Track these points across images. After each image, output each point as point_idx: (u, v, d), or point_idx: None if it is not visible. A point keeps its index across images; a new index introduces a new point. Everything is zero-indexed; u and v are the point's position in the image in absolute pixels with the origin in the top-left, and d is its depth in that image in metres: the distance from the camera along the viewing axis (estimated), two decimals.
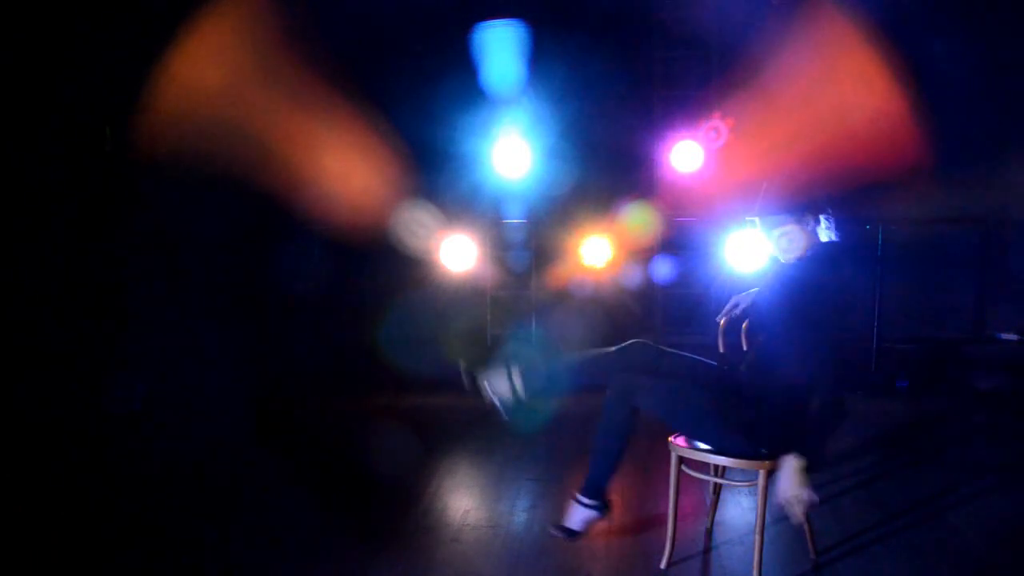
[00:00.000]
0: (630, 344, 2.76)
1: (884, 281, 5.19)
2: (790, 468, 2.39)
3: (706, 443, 2.60)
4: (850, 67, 5.29)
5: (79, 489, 3.43)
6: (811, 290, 2.52)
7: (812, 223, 2.61)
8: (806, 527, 2.76)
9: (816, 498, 2.41)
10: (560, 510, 3.21)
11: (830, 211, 2.63)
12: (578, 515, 2.74)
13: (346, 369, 5.50)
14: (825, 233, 2.63)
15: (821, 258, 2.60)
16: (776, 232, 2.61)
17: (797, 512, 2.42)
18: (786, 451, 2.41)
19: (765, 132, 5.37)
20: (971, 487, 3.40)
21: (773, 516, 3.06)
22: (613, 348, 2.77)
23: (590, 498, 2.73)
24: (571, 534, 2.74)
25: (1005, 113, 5.52)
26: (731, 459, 2.57)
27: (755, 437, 2.51)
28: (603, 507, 2.74)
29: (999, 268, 5.80)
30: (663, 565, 2.70)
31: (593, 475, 2.73)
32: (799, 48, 5.10)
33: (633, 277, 5.76)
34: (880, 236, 5.17)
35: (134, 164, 4.77)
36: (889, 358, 5.21)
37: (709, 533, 2.98)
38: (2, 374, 4.11)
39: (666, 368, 2.72)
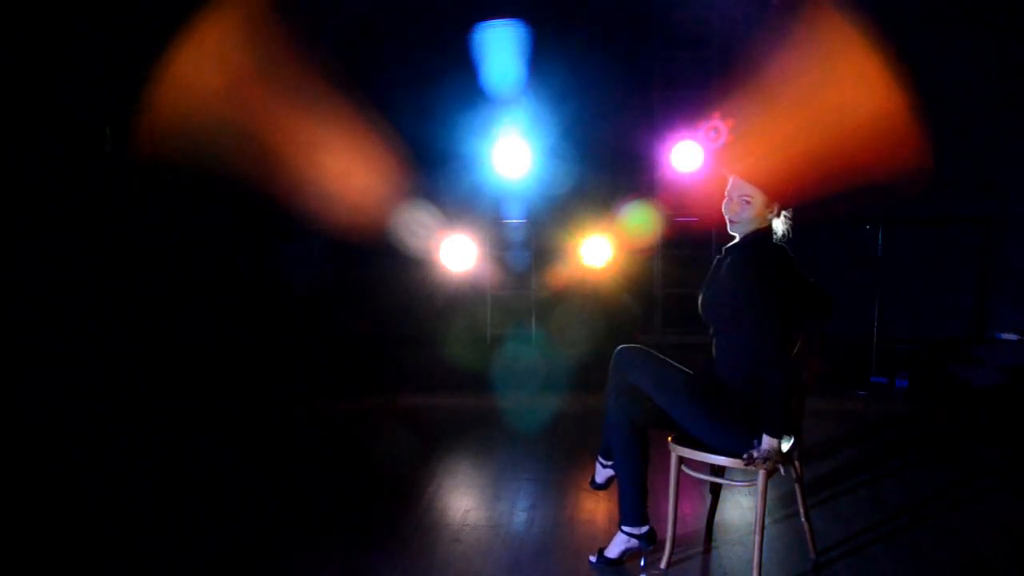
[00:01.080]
0: (616, 352, 2.75)
1: (884, 281, 5.19)
2: (773, 443, 2.49)
3: (699, 437, 2.61)
4: (850, 67, 5.29)
5: (79, 489, 3.43)
6: (747, 276, 2.53)
7: (776, 210, 2.61)
8: (806, 526, 2.76)
9: (781, 471, 2.52)
10: (560, 510, 3.22)
11: (791, 213, 2.65)
12: (617, 544, 2.73)
13: (346, 369, 5.50)
14: (780, 225, 2.64)
15: (760, 248, 2.59)
16: (743, 190, 2.58)
17: (758, 466, 2.49)
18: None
19: (765, 132, 5.37)
20: (971, 487, 3.40)
21: (773, 516, 3.07)
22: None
23: (631, 526, 2.70)
24: (608, 562, 2.73)
25: (1005, 113, 5.52)
26: (731, 459, 2.57)
27: (744, 431, 2.53)
28: (645, 537, 2.71)
29: (999, 268, 5.80)
30: (663, 565, 2.71)
31: (624, 500, 2.71)
32: (799, 48, 5.10)
33: (633, 277, 5.76)
34: (880, 236, 5.16)
35: (134, 164, 4.78)
36: (889, 358, 5.20)
37: (709, 533, 2.98)
38: (2, 374, 4.11)
39: (654, 362, 2.72)
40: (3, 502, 3.26)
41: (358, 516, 3.20)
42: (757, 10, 5.40)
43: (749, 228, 2.60)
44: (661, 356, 2.71)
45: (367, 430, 4.42)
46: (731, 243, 2.68)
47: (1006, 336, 5.67)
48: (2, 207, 4.23)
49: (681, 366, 2.70)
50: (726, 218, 2.63)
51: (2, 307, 4.20)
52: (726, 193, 2.63)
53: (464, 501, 3.36)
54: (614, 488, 2.79)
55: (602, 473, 2.91)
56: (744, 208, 2.58)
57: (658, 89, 5.85)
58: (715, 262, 2.73)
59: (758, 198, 2.57)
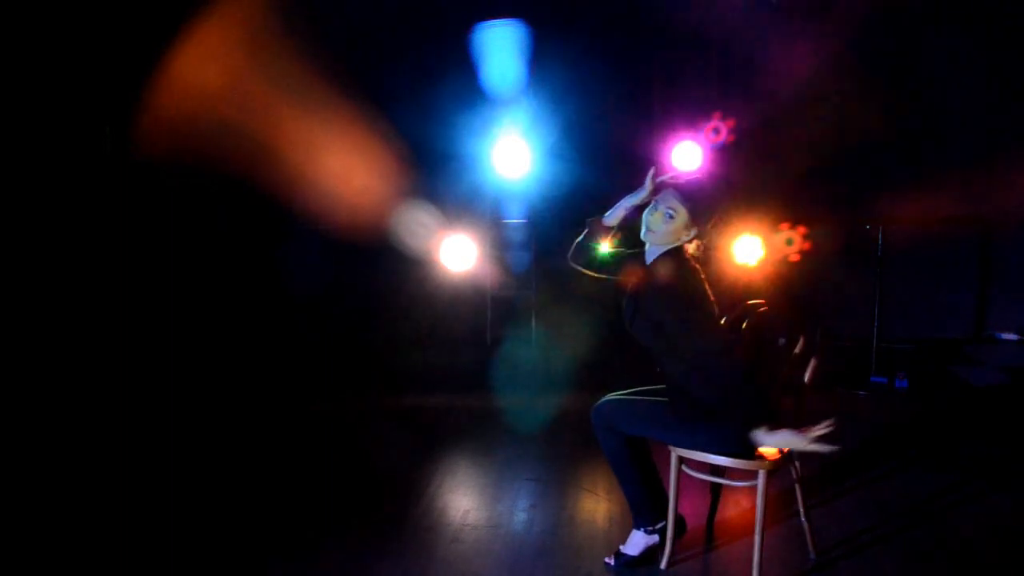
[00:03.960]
0: (592, 412, 2.76)
1: (884, 281, 5.19)
2: (782, 441, 2.45)
3: (701, 450, 2.62)
4: (849, 66, 5.30)
5: (78, 490, 3.43)
6: (668, 288, 2.55)
7: (692, 234, 2.63)
8: (806, 526, 2.76)
9: (832, 447, 2.42)
10: (560, 510, 3.22)
11: (710, 242, 2.67)
12: (633, 540, 2.76)
13: (346, 369, 5.50)
14: (691, 249, 2.66)
15: (675, 260, 2.60)
16: (670, 203, 2.60)
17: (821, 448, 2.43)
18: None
19: (765, 132, 5.37)
20: (971, 487, 3.40)
21: (773, 516, 3.07)
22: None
23: (641, 526, 2.75)
24: (632, 560, 2.73)
25: (1005, 113, 5.53)
26: (731, 459, 2.57)
27: (731, 427, 2.53)
28: (660, 532, 2.74)
29: (999, 268, 5.80)
30: (663, 565, 2.70)
31: (631, 504, 2.77)
32: (799, 48, 5.10)
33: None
34: (880, 236, 5.17)
35: (134, 164, 4.77)
36: (889, 358, 5.21)
37: (709, 533, 2.98)
38: (3, 374, 4.11)
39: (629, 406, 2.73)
40: (3, 502, 3.26)
41: (358, 516, 3.20)
42: (757, 10, 5.41)
43: (662, 242, 2.63)
44: (632, 396, 2.72)
45: (367, 430, 4.42)
46: (647, 259, 2.68)
47: (1006, 336, 5.67)
48: (2, 207, 4.23)
49: (652, 396, 2.71)
50: (643, 225, 2.65)
51: (2, 307, 4.20)
52: (653, 201, 2.65)
53: (464, 501, 3.36)
54: (613, 490, 2.79)
55: (639, 541, 2.76)
56: (666, 221, 2.60)
57: (658, 89, 5.84)
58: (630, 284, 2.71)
59: (681, 217, 2.60)
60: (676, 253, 2.62)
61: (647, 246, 2.68)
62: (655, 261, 2.64)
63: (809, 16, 5.22)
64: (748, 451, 2.56)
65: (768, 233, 5.27)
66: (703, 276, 2.63)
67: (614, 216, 2.75)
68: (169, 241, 5.14)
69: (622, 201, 2.74)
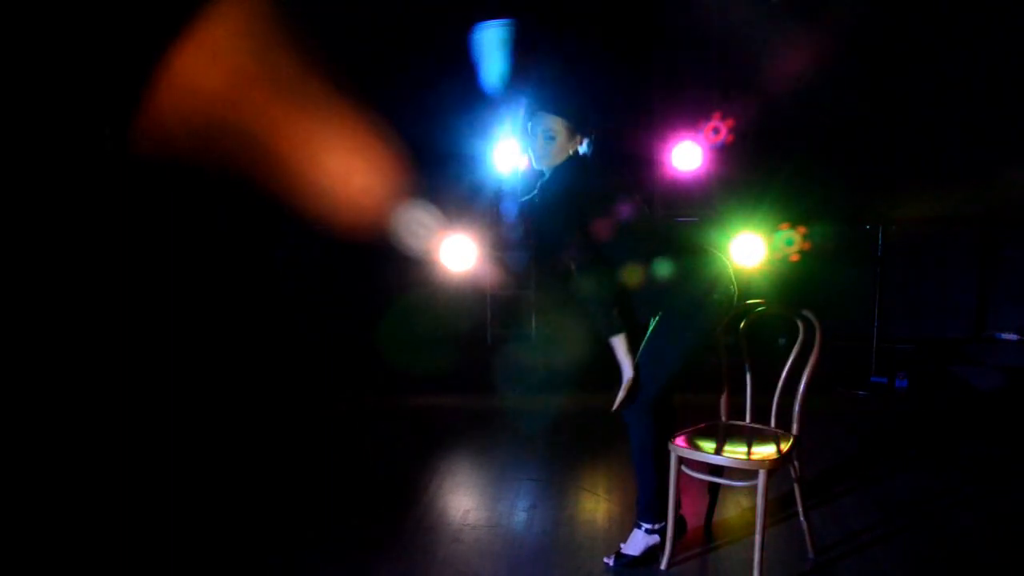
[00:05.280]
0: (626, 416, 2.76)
1: (884, 281, 5.19)
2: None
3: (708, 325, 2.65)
4: (849, 66, 5.29)
5: (76, 489, 3.43)
6: (554, 198, 2.55)
7: (580, 140, 2.59)
8: (805, 526, 2.76)
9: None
10: (560, 510, 3.22)
11: (596, 139, 2.62)
12: (634, 540, 2.75)
13: (346, 369, 5.50)
14: (584, 148, 2.63)
15: (562, 174, 2.57)
16: (545, 125, 2.56)
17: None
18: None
19: (765, 132, 5.37)
20: (971, 487, 3.40)
21: (773, 516, 3.07)
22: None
23: (645, 522, 2.74)
24: (633, 560, 2.72)
25: (1005, 113, 5.53)
26: (731, 459, 2.57)
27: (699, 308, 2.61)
28: (661, 532, 2.73)
29: (999, 268, 5.81)
30: (663, 565, 2.71)
31: (642, 499, 2.75)
32: (799, 47, 5.11)
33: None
34: (880, 236, 5.17)
35: (134, 164, 4.77)
36: (889, 358, 5.21)
37: (709, 533, 2.98)
38: (3, 375, 4.11)
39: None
40: (3, 502, 3.26)
41: (358, 516, 3.20)
42: (757, 10, 5.41)
43: (555, 162, 2.59)
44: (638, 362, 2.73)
45: (367, 430, 4.42)
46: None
47: (1006, 336, 5.68)
48: (1, 207, 4.23)
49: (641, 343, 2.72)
50: (531, 158, 2.61)
51: (1, 308, 4.20)
52: (529, 131, 2.60)
53: (464, 501, 3.36)
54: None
55: (639, 540, 2.74)
56: (549, 142, 2.56)
57: (658, 89, 5.84)
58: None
59: (561, 132, 2.56)
60: (571, 160, 2.58)
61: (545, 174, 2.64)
62: (552, 174, 2.59)
63: (809, 15, 5.22)
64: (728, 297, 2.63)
65: (768, 233, 5.28)
66: (607, 169, 2.61)
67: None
68: (169, 241, 5.14)
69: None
